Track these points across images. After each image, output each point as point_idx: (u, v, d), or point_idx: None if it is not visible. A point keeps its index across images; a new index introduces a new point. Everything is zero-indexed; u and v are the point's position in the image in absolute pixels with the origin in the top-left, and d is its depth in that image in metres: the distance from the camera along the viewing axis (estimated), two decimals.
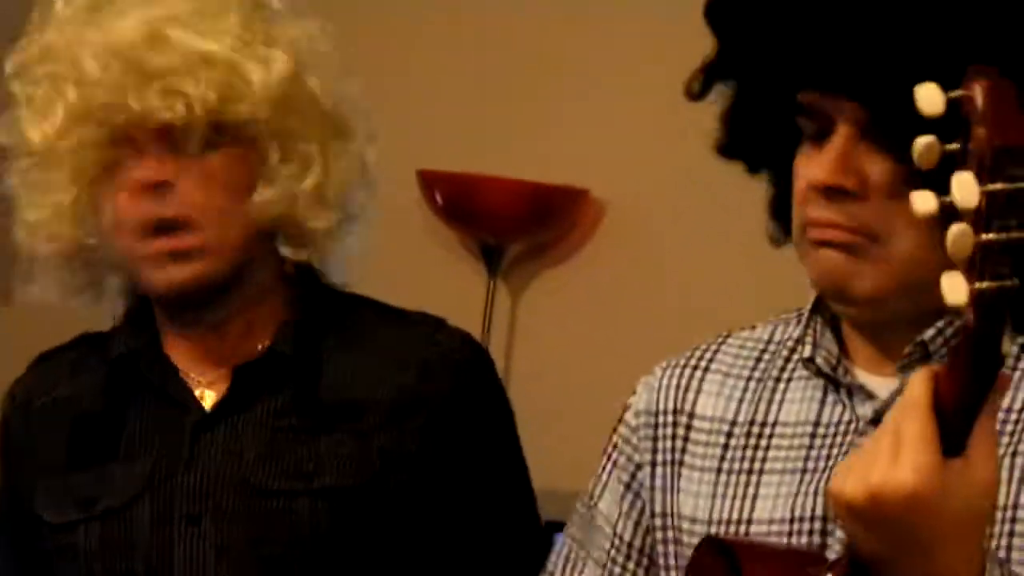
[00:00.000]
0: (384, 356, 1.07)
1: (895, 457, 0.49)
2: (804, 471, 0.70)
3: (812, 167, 0.65)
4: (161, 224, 0.99)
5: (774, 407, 0.74)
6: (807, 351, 0.72)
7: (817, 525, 0.68)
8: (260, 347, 1.05)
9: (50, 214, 1.03)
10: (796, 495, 0.69)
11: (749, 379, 0.76)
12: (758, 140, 0.73)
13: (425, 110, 2.67)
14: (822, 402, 0.72)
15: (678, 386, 0.79)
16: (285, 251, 1.08)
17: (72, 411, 1.07)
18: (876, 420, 0.67)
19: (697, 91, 0.75)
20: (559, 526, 0.86)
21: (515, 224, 2.68)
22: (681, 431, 0.76)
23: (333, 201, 1.04)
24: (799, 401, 0.72)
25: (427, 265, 2.71)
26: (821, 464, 0.70)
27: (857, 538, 0.53)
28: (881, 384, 0.70)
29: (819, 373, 0.72)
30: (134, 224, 1.00)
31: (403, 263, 2.43)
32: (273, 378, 1.04)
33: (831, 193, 0.64)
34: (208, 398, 1.05)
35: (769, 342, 0.78)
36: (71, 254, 1.05)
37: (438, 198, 2.68)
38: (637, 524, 0.78)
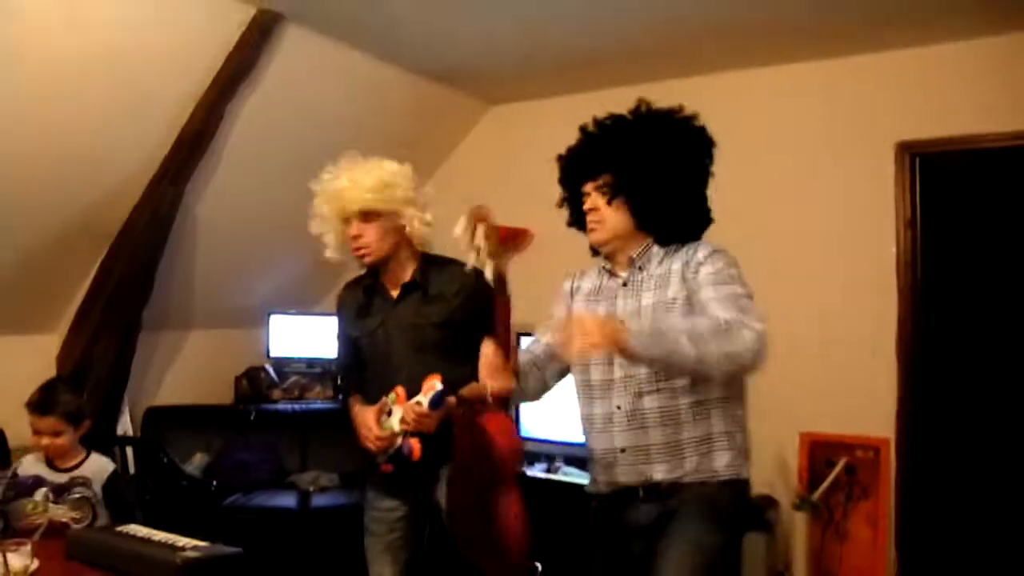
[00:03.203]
0: (449, 279, 2.55)
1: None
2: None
3: (586, 204, 2.14)
4: (357, 246, 2.55)
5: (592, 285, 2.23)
6: (607, 266, 2.19)
7: None
8: (407, 279, 2.59)
9: (332, 243, 2.63)
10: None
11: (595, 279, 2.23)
12: (578, 215, 2.21)
13: None
14: (609, 279, 2.17)
15: (574, 278, 2.31)
16: (418, 242, 2.63)
17: (357, 301, 2.67)
18: (624, 284, 2.11)
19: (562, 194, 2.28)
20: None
21: None
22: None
23: (424, 232, 2.61)
24: (597, 278, 2.23)
25: None
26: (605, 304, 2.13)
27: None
28: (624, 273, 2.13)
29: (610, 273, 2.17)
30: (352, 248, 2.57)
31: None
32: (413, 288, 2.58)
33: (589, 210, 2.13)
34: (395, 294, 2.60)
35: (600, 271, 2.22)
36: (337, 249, 2.62)
37: None
38: None
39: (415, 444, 2.42)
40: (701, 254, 2.00)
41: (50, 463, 2.74)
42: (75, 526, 2.45)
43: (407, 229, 2.55)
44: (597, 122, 2.13)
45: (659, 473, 1.96)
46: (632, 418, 1.98)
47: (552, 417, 4.36)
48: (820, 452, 4.28)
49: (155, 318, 4.53)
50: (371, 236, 2.50)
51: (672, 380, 1.94)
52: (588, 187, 2.09)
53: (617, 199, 2.04)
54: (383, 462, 2.49)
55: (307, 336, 5.27)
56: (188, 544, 2.19)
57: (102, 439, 3.19)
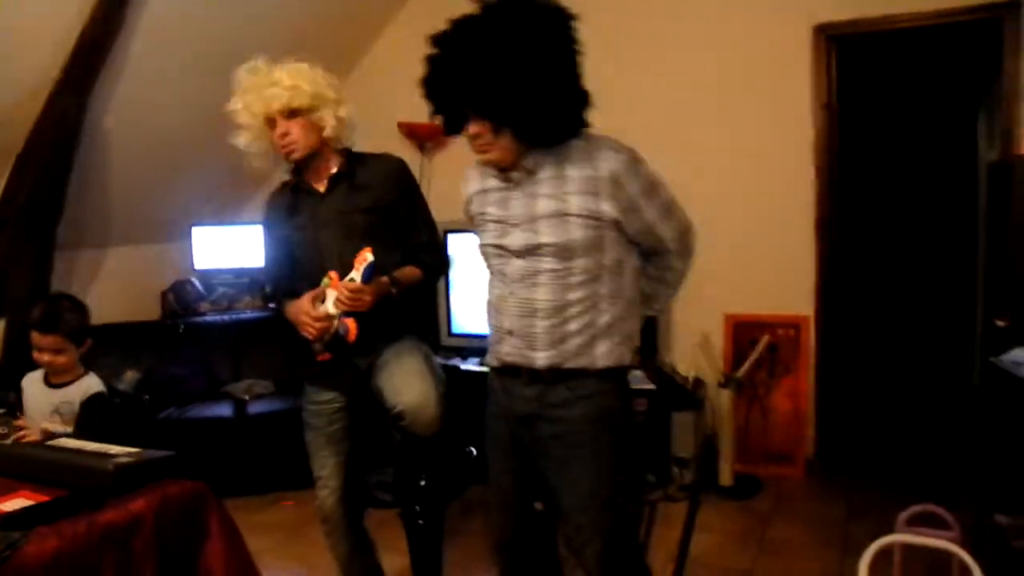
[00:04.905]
0: (374, 168, 2.62)
1: None
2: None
3: (470, 129, 1.96)
4: (285, 143, 2.54)
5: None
6: (495, 171, 2.06)
7: None
8: (334, 171, 2.60)
9: (249, 145, 2.61)
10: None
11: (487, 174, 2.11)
12: (457, 125, 2.00)
13: None
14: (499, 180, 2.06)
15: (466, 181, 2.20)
16: (335, 140, 2.63)
17: (285, 202, 2.65)
18: (516, 185, 2.03)
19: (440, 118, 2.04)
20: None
21: None
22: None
23: (344, 125, 2.61)
24: (482, 176, 2.14)
25: None
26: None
27: None
28: (515, 175, 2.02)
29: (498, 173, 2.06)
30: (280, 146, 2.55)
31: None
32: (340, 179, 2.59)
33: (474, 136, 1.96)
34: (321, 189, 2.60)
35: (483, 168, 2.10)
36: (262, 154, 2.62)
37: None
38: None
39: (351, 324, 2.45)
40: (607, 170, 1.94)
41: (46, 379, 2.78)
42: (1, 442, 2.42)
43: (324, 130, 2.55)
44: (447, 52, 1.93)
45: (541, 360, 2.01)
46: (523, 305, 2.02)
47: (484, 313, 4.43)
48: (744, 332, 4.43)
49: (72, 237, 4.39)
50: (297, 132, 2.52)
51: (566, 277, 1.98)
52: (467, 110, 1.96)
53: (501, 129, 1.94)
54: (320, 351, 2.51)
55: (232, 247, 5.19)
56: (120, 451, 2.19)
57: (25, 362, 3.13)
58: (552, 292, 1.99)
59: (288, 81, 2.49)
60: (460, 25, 1.91)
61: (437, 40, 1.94)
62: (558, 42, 1.88)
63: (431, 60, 1.95)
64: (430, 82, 1.97)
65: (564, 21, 1.90)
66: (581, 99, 1.94)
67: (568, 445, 2.03)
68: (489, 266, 2.15)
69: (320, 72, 2.58)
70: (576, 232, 1.95)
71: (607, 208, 1.94)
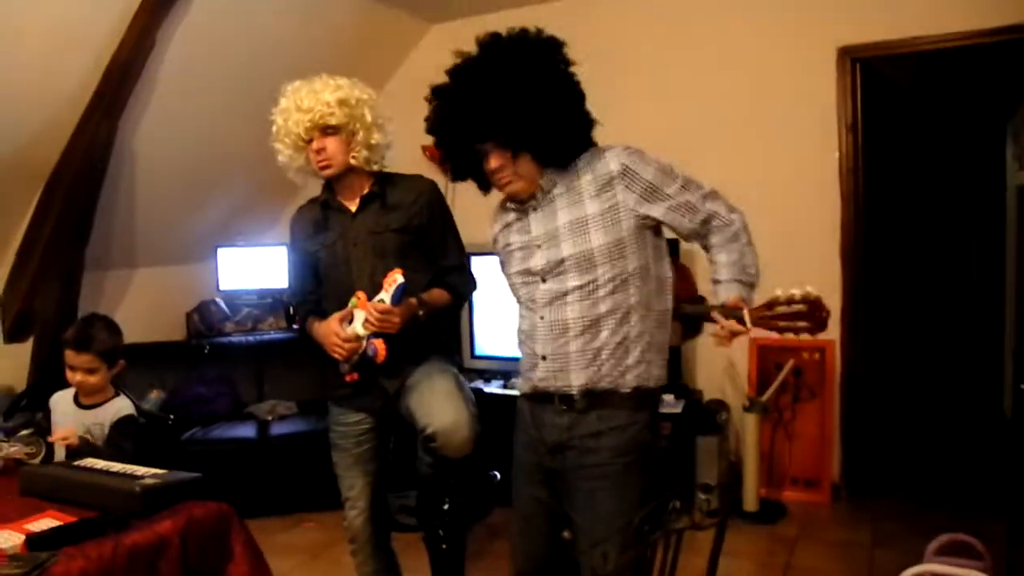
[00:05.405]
0: (406, 189, 2.62)
1: None
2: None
3: (488, 163, 2.04)
4: (321, 159, 2.54)
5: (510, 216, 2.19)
6: (513, 202, 2.15)
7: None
8: (365, 191, 2.60)
9: (288, 160, 2.60)
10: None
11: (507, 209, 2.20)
12: (467, 169, 2.13)
13: None
14: (520, 205, 2.13)
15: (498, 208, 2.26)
16: (365, 164, 2.60)
17: (313, 218, 2.66)
18: (535, 208, 2.10)
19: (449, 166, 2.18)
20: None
21: None
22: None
23: (376, 151, 2.61)
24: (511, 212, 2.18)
25: None
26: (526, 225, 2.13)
27: None
28: (532, 200, 2.10)
29: (519, 206, 2.13)
30: (315, 161, 2.55)
31: None
32: (371, 199, 2.60)
33: (496, 170, 2.05)
34: (353, 207, 2.60)
35: (511, 198, 2.15)
36: (299, 169, 2.62)
37: None
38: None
39: (380, 345, 2.43)
40: (616, 163, 2.01)
41: (76, 400, 2.77)
42: (30, 462, 2.43)
43: (357, 151, 2.56)
44: (455, 96, 2.03)
45: (575, 381, 2.03)
46: (553, 328, 2.05)
47: (507, 336, 4.43)
48: (769, 356, 4.39)
49: (99, 258, 4.45)
50: (333, 148, 2.53)
51: (593, 292, 2.01)
52: (486, 146, 2.03)
53: (520, 153, 2.03)
54: (348, 371, 2.50)
55: (257, 268, 5.23)
56: (147, 473, 2.20)
57: (53, 380, 3.16)
58: (581, 309, 2.02)
59: (327, 97, 2.50)
60: (461, 70, 2.03)
61: (442, 90, 2.05)
62: (556, 65, 2.00)
63: (439, 108, 2.06)
64: (441, 129, 2.07)
65: (556, 48, 2.02)
66: (586, 117, 2.05)
67: (595, 477, 2.03)
68: (518, 297, 2.18)
69: (360, 89, 2.59)
70: (596, 238, 2.00)
71: (624, 198, 2.00)
